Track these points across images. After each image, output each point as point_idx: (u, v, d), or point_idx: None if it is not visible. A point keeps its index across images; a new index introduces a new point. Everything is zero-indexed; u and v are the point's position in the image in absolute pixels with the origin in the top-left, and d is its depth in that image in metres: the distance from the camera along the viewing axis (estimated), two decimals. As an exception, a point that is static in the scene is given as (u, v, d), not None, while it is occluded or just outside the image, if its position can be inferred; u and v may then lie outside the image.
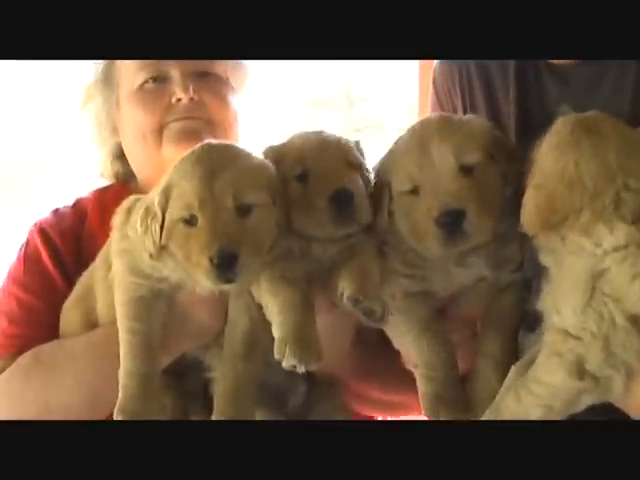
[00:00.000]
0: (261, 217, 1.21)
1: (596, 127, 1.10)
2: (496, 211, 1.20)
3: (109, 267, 1.35)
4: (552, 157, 1.09)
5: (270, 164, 1.28)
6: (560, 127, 1.13)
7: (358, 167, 1.28)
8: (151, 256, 1.23)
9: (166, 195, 1.20)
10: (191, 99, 1.50)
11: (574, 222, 1.06)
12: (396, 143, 1.29)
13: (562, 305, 1.07)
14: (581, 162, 1.06)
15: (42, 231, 1.54)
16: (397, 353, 1.37)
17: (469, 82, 1.45)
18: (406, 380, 1.39)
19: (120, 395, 1.27)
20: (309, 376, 1.40)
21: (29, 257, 1.53)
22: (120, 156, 1.63)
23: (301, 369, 1.17)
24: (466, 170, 1.20)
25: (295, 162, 1.26)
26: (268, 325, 1.24)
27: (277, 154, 1.30)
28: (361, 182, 1.27)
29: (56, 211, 1.60)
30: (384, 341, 1.39)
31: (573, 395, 1.05)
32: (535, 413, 1.07)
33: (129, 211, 1.32)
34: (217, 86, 1.54)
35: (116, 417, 1.26)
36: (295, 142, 1.30)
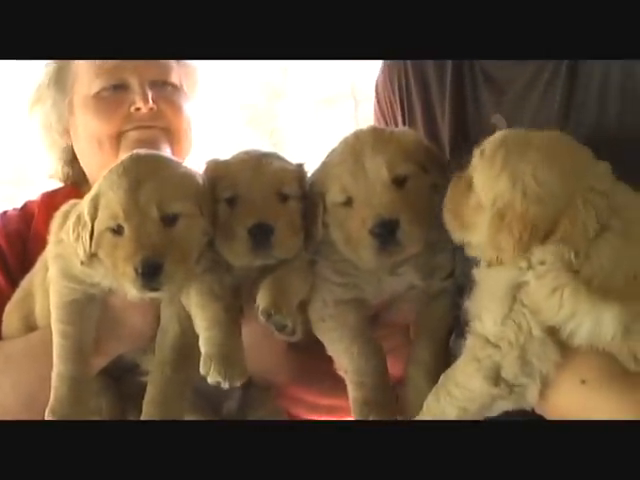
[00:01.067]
0: (187, 227, 1.22)
1: (533, 141, 1.09)
2: (428, 221, 1.21)
3: (48, 271, 1.37)
4: (504, 182, 1.06)
5: (197, 174, 1.29)
6: (498, 144, 1.10)
7: (291, 198, 1.27)
8: (82, 263, 1.25)
9: (95, 204, 1.22)
10: (150, 109, 1.52)
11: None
12: (329, 155, 1.29)
13: (483, 313, 1.07)
14: (539, 175, 1.05)
15: None
16: (331, 358, 1.37)
17: (407, 92, 1.45)
18: (341, 384, 1.38)
19: (51, 397, 1.29)
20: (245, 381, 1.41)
21: None
22: (71, 159, 1.66)
23: (225, 386, 1.19)
24: (399, 181, 1.21)
25: (228, 185, 1.27)
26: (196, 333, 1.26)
27: (216, 171, 1.30)
28: (293, 214, 1.27)
29: (4, 214, 1.64)
30: (319, 346, 1.39)
31: (487, 400, 1.06)
32: (451, 413, 1.09)
33: (66, 216, 1.34)
34: (173, 95, 1.57)
35: (46, 418, 1.28)
36: (233, 164, 1.31)
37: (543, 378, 1.03)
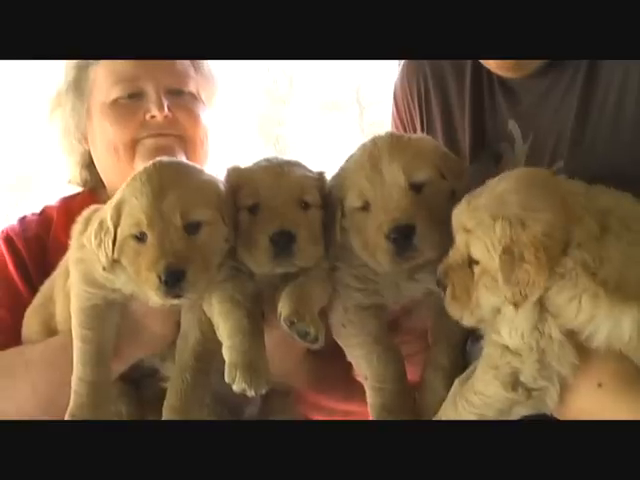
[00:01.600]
0: (209, 234, 1.23)
1: (493, 188, 1.12)
2: (445, 227, 1.20)
3: (68, 276, 1.37)
4: (498, 227, 1.06)
5: (219, 181, 1.29)
6: (473, 219, 1.10)
7: (312, 207, 1.28)
8: (104, 269, 1.25)
9: (118, 211, 1.22)
10: (165, 117, 1.53)
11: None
12: (347, 161, 1.30)
13: (503, 327, 1.07)
14: (522, 202, 1.06)
15: (7, 239, 1.59)
16: (349, 364, 1.38)
17: (427, 97, 1.45)
18: (358, 390, 1.39)
19: (71, 401, 1.30)
20: None
21: None
22: (88, 164, 1.66)
23: (251, 394, 1.19)
24: (416, 187, 1.21)
25: (250, 193, 1.27)
26: (217, 339, 1.26)
27: (238, 178, 1.31)
28: (314, 222, 1.27)
29: (23, 219, 1.64)
30: (339, 352, 1.39)
31: (505, 405, 1.07)
32: (468, 419, 1.10)
33: (87, 221, 1.34)
34: (190, 104, 1.58)
35: None
36: (255, 171, 1.31)
37: (562, 381, 1.04)
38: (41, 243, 1.57)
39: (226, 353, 1.22)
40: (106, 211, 1.26)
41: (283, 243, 1.22)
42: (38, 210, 1.66)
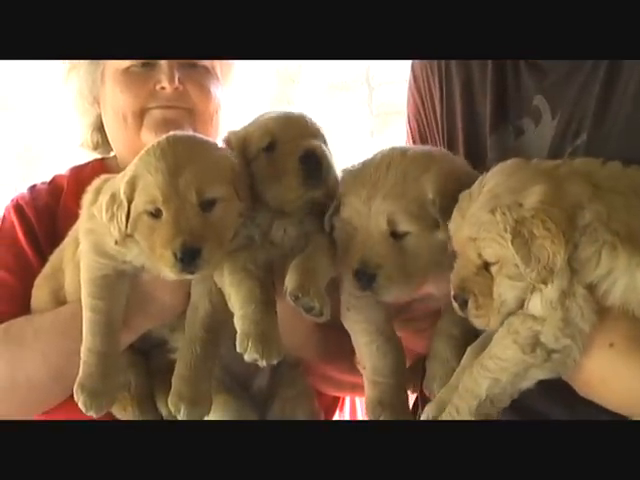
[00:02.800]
0: (224, 211, 1.22)
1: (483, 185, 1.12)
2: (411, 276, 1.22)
3: (78, 245, 1.37)
4: (497, 216, 1.06)
5: (232, 155, 1.28)
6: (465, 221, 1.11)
7: (321, 137, 1.31)
8: (116, 243, 1.25)
9: (132, 186, 1.21)
10: (175, 89, 1.52)
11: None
12: (362, 166, 1.28)
13: (531, 302, 1.07)
14: (511, 186, 1.07)
15: (18, 207, 1.58)
16: None
17: (447, 70, 1.43)
18: None
19: (80, 371, 1.30)
20: None
21: (4, 233, 1.56)
22: (100, 127, 1.66)
23: (263, 364, 1.19)
24: (397, 235, 1.20)
25: (262, 135, 1.29)
26: (227, 311, 1.26)
27: (241, 135, 1.32)
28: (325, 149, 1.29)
29: (33, 187, 1.64)
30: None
31: (521, 369, 1.07)
32: (482, 386, 1.09)
33: (98, 191, 1.33)
34: (202, 77, 1.57)
35: (75, 392, 1.29)
36: (259, 120, 1.33)
37: (584, 338, 1.03)
38: (51, 212, 1.57)
39: (238, 323, 1.22)
40: (118, 184, 1.25)
41: (312, 165, 1.26)
42: (48, 179, 1.66)
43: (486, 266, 1.09)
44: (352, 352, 1.42)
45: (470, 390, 1.10)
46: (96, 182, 1.37)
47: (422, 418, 1.18)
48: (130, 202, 1.21)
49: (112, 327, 1.31)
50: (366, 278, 1.19)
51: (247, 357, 1.19)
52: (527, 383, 1.08)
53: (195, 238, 1.17)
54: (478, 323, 1.12)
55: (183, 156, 1.21)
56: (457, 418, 1.10)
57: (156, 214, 1.20)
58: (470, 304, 1.11)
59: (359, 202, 1.21)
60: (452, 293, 1.13)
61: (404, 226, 1.19)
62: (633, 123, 1.14)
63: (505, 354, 1.07)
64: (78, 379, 1.29)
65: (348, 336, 1.37)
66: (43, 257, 1.50)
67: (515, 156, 1.15)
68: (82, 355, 1.30)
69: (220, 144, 1.36)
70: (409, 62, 2.50)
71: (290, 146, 1.26)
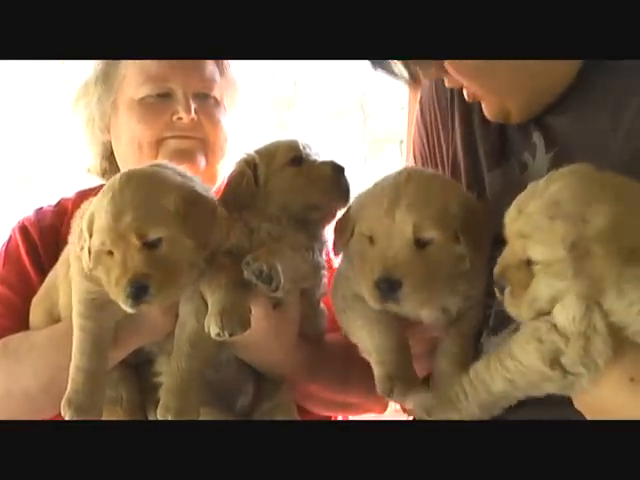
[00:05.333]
0: (170, 249, 1.28)
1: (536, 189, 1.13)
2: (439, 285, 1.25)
3: (69, 266, 1.43)
4: (556, 224, 1.08)
5: (193, 190, 1.34)
6: (530, 223, 1.12)
7: None
8: (85, 276, 1.33)
9: (90, 225, 1.29)
10: (192, 119, 1.59)
11: None
12: (375, 185, 1.33)
13: (557, 309, 1.10)
14: (571, 198, 1.08)
15: (23, 228, 1.66)
16: (347, 353, 1.44)
17: (451, 103, 1.48)
18: (358, 381, 1.47)
19: (68, 387, 1.36)
20: (257, 376, 1.49)
21: (9, 252, 1.64)
22: (109, 155, 1.73)
23: (225, 335, 1.26)
24: (419, 244, 1.23)
25: (289, 149, 1.43)
26: None
27: (269, 148, 1.46)
28: None
29: (39, 210, 1.71)
30: (334, 342, 1.50)
31: (538, 379, 1.10)
32: (499, 384, 1.13)
33: None
34: (214, 109, 1.65)
35: (62, 407, 1.34)
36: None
37: (597, 370, 1.07)
38: (55, 233, 1.63)
39: (209, 311, 1.30)
40: (83, 220, 1.32)
41: (342, 173, 1.47)
42: (54, 202, 1.72)
43: (529, 262, 1.11)
44: (340, 370, 1.51)
45: (484, 382, 1.14)
46: (84, 206, 1.42)
47: (413, 400, 1.23)
48: (90, 239, 1.29)
49: (100, 346, 1.37)
50: (388, 287, 1.20)
51: (212, 332, 1.27)
52: (537, 393, 1.12)
53: (140, 277, 1.24)
54: (511, 311, 1.16)
55: (128, 198, 1.27)
56: (463, 403, 1.15)
57: (109, 252, 1.28)
58: (507, 292, 1.14)
59: (380, 212, 1.23)
60: (494, 277, 1.17)
61: (429, 233, 1.22)
62: (627, 156, 1.18)
63: (527, 360, 1.10)
64: (66, 395, 1.34)
65: (336, 355, 1.44)
66: (45, 276, 1.56)
67: (522, 191, 1.15)
68: (70, 372, 1.36)
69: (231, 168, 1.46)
70: (404, 90, 2.56)
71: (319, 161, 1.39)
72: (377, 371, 1.32)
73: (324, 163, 1.43)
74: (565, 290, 1.08)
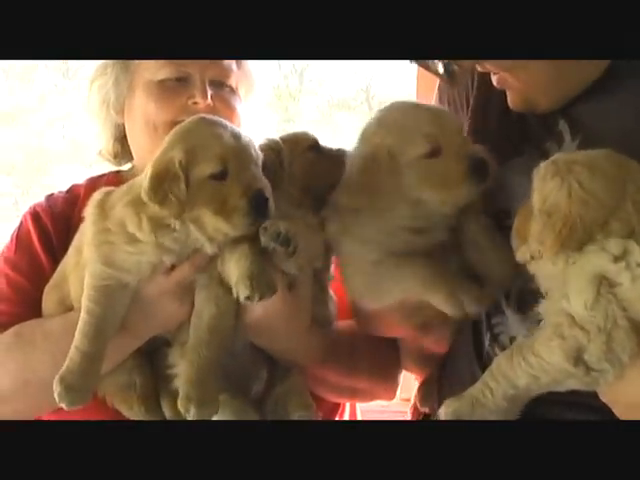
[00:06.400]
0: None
1: (578, 158, 1.17)
2: None
3: (80, 256, 1.43)
4: (552, 184, 1.15)
5: None
6: (548, 164, 1.19)
7: None
8: (176, 217, 1.31)
9: (192, 156, 1.30)
10: (207, 105, 1.59)
11: (601, 235, 1.12)
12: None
13: (572, 295, 1.12)
14: (584, 181, 1.13)
15: (35, 214, 1.64)
16: (356, 340, 1.49)
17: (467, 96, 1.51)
18: (367, 367, 1.51)
19: (64, 365, 1.35)
20: (270, 363, 1.50)
21: (21, 238, 1.63)
22: (121, 137, 1.72)
23: (255, 300, 1.28)
24: None
25: (308, 137, 1.52)
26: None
27: (290, 136, 1.53)
28: None
29: (50, 196, 1.70)
30: (343, 329, 1.53)
31: (562, 376, 1.12)
32: (521, 377, 1.15)
33: (102, 206, 1.39)
34: (229, 97, 1.65)
35: (54, 382, 1.33)
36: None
37: (621, 366, 1.09)
38: (67, 220, 1.63)
39: (234, 275, 1.32)
40: (137, 189, 1.31)
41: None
42: (65, 188, 1.72)
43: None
44: (349, 355, 1.53)
45: (508, 378, 1.15)
46: (96, 196, 1.42)
47: (441, 410, 1.22)
48: (187, 172, 1.29)
49: (103, 332, 1.36)
50: None
51: (241, 296, 1.29)
52: (561, 388, 1.14)
53: (261, 190, 1.30)
54: (512, 243, 1.24)
55: (229, 123, 1.36)
56: (490, 399, 1.16)
57: (221, 176, 1.29)
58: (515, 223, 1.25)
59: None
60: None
61: None
62: None
63: (551, 358, 1.12)
64: (60, 371, 1.34)
65: (345, 340, 1.46)
66: (57, 263, 1.55)
67: None
68: (70, 351, 1.36)
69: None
70: (410, 82, 2.55)
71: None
72: (438, 299, 1.32)
73: (338, 149, 1.51)
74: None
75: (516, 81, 1.31)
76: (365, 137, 1.39)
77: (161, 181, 1.28)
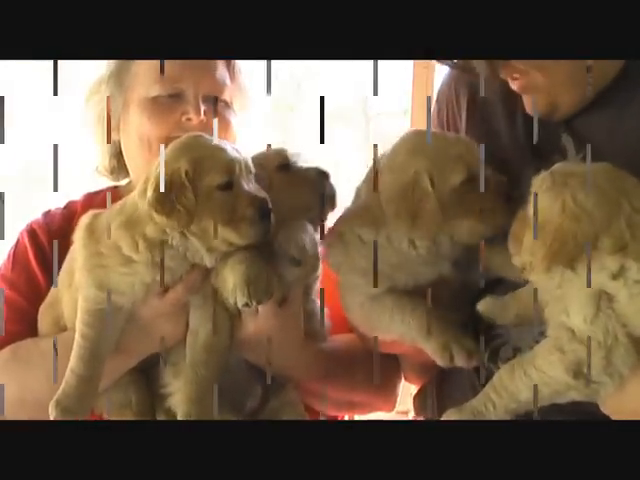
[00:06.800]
0: None
1: (576, 171, 1.18)
2: None
3: (72, 277, 1.43)
4: (547, 198, 1.15)
5: None
6: (546, 176, 1.19)
7: None
8: (185, 226, 1.31)
9: (199, 166, 1.31)
10: (201, 121, 1.59)
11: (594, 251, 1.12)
12: None
13: (571, 310, 1.14)
14: (577, 196, 1.13)
15: (31, 231, 1.65)
16: (353, 353, 1.50)
17: (471, 106, 1.49)
18: (364, 380, 1.49)
19: (60, 389, 1.35)
20: (265, 379, 1.48)
21: (17, 256, 1.63)
22: (117, 153, 1.72)
23: (252, 304, 1.29)
24: None
25: (276, 157, 1.48)
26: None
27: (259, 156, 1.48)
28: None
29: (47, 212, 1.71)
30: (339, 342, 1.54)
31: (562, 388, 1.14)
32: (523, 391, 1.16)
33: (91, 227, 1.39)
34: (224, 112, 1.65)
35: (50, 406, 1.33)
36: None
37: (621, 379, 1.11)
38: (64, 236, 1.60)
39: (231, 281, 1.31)
40: (170, 174, 1.30)
41: None
42: (62, 204, 1.71)
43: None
44: (348, 369, 1.53)
45: (509, 392, 1.17)
46: (84, 219, 1.41)
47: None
48: (194, 183, 1.30)
49: (98, 355, 1.37)
50: None
51: (239, 303, 1.29)
52: (562, 400, 1.16)
53: (265, 201, 1.33)
54: (509, 246, 1.24)
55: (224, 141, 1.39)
56: (492, 412, 1.18)
57: (228, 186, 1.31)
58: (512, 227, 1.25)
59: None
60: None
61: None
62: None
63: (551, 371, 1.14)
64: (56, 395, 1.34)
65: (341, 354, 1.47)
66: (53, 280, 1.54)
67: None
68: (65, 374, 1.36)
69: None
70: (406, 93, 2.55)
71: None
72: (430, 347, 1.32)
73: (309, 169, 1.47)
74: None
75: (547, 80, 1.29)
76: (397, 166, 1.34)
77: (167, 192, 1.28)
